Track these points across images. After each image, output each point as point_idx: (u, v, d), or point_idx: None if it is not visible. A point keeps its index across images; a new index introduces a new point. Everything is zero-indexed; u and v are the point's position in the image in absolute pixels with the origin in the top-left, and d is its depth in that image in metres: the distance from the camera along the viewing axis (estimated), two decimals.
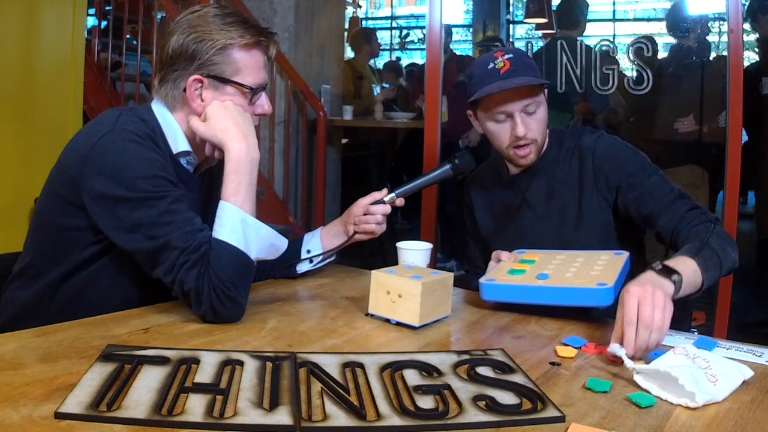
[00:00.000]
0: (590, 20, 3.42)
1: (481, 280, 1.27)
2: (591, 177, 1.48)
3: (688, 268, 1.11)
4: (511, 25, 6.67)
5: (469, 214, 1.67)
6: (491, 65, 1.44)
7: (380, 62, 6.32)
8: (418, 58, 8.26)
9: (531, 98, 1.43)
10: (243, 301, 1.12)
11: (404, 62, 7.72)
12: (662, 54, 3.42)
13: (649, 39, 2.67)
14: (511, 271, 1.30)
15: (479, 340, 1.10)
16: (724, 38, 2.58)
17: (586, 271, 1.26)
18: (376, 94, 4.85)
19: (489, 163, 1.66)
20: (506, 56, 1.44)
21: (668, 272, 1.08)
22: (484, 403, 0.81)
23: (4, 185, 2.49)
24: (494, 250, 1.57)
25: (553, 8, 4.66)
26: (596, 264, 1.29)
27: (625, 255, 1.34)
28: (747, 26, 3.21)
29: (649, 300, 0.98)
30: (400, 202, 1.40)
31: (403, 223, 5.13)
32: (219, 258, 1.09)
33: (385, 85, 5.54)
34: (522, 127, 1.43)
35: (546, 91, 1.49)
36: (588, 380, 0.90)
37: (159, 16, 4.04)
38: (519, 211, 1.55)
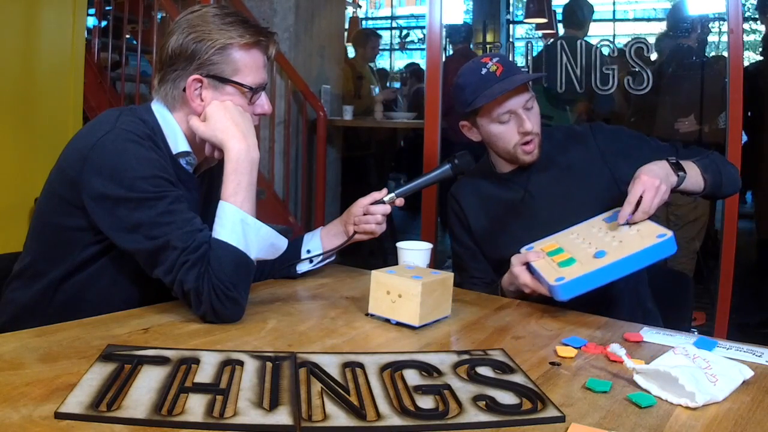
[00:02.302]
0: (591, 20, 3.43)
1: (551, 282, 1.22)
2: (598, 157, 1.53)
3: (692, 170, 1.36)
4: (511, 25, 6.67)
5: (459, 221, 1.64)
6: (484, 71, 1.46)
7: (380, 62, 6.32)
8: (418, 58, 8.27)
9: (528, 94, 1.48)
10: (243, 301, 1.12)
11: (404, 62, 7.73)
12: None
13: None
14: (562, 264, 1.26)
15: (479, 340, 1.10)
16: (724, 38, 2.58)
17: (625, 233, 1.26)
18: (375, 94, 4.84)
19: (475, 169, 1.65)
20: (495, 60, 1.48)
21: (678, 167, 1.33)
22: (484, 403, 0.81)
23: (4, 185, 2.48)
24: (494, 251, 1.57)
25: (554, 7, 4.67)
26: (612, 222, 1.31)
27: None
28: (747, 26, 3.21)
29: (654, 190, 1.25)
30: (399, 202, 1.40)
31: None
32: (219, 258, 1.09)
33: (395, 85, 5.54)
34: (529, 122, 1.46)
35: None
36: (588, 380, 0.90)
37: (159, 16, 4.04)
38: (522, 203, 1.55)
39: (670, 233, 1.19)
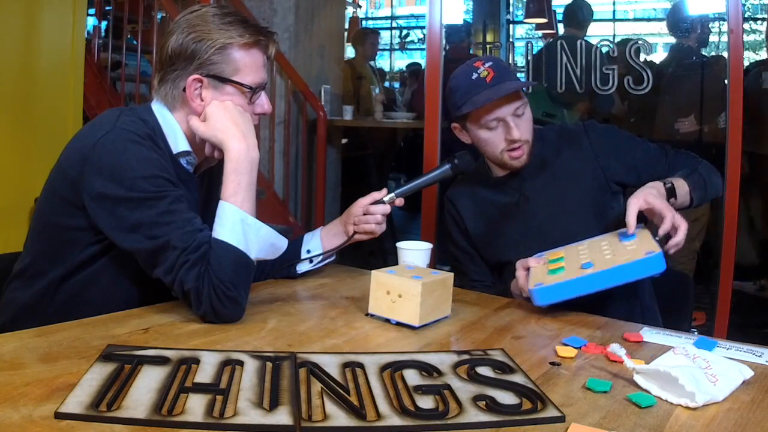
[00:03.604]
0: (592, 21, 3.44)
1: (530, 287, 1.23)
2: (591, 157, 1.52)
3: (683, 190, 1.37)
4: (511, 25, 6.67)
5: (457, 225, 1.64)
6: (475, 75, 1.46)
7: (380, 62, 6.32)
8: (419, 58, 8.27)
9: (519, 101, 1.46)
10: (243, 301, 1.12)
11: (404, 62, 7.73)
12: (662, 54, 3.42)
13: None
14: (551, 272, 1.27)
15: (479, 340, 1.10)
16: (724, 38, 2.58)
17: (622, 248, 1.26)
18: (375, 94, 4.84)
19: (470, 173, 1.65)
20: (487, 64, 1.46)
21: (672, 193, 1.34)
22: (484, 403, 0.81)
23: (4, 185, 2.49)
24: (492, 254, 1.57)
25: (554, 7, 4.66)
26: (626, 241, 1.29)
27: (643, 226, 1.34)
28: (747, 26, 3.22)
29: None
30: (399, 202, 1.40)
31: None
32: (219, 258, 1.09)
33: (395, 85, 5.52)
34: (516, 131, 1.46)
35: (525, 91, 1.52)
36: (588, 380, 0.90)
37: (159, 16, 4.04)
38: (518, 207, 1.55)
39: (658, 250, 1.17)
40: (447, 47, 3.90)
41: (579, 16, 3.26)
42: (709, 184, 1.45)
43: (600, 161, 1.52)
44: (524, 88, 1.52)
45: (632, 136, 1.58)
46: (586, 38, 3.01)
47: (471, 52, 3.90)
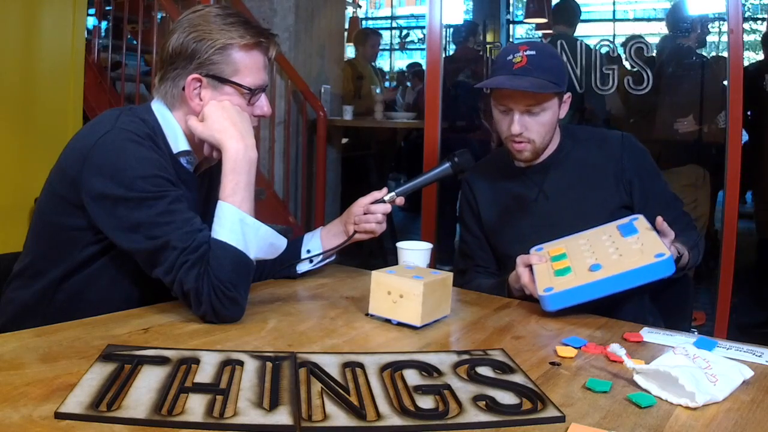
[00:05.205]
0: (591, 20, 3.45)
1: (539, 292, 1.23)
2: (619, 170, 1.52)
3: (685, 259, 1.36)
4: (511, 25, 6.67)
5: (470, 208, 1.64)
6: (510, 57, 1.45)
7: (380, 62, 6.32)
8: (419, 58, 8.28)
9: (536, 100, 1.44)
10: (243, 301, 1.12)
11: (404, 62, 7.73)
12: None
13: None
14: (558, 273, 1.26)
15: (479, 340, 1.10)
16: (724, 38, 2.58)
17: (628, 247, 1.25)
18: (376, 94, 4.84)
19: (492, 157, 1.65)
20: (527, 52, 1.44)
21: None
22: (484, 403, 0.81)
23: (4, 185, 2.48)
24: (499, 244, 1.56)
25: (554, 7, 4.67)
26: (630, 237, 1.29)
27: (641, 218, 1.35)
28: (747, 26, 3.22)
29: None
30: (400, 201, 1.39)
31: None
32: (218, 258, 1.09)
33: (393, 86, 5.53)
34: (517, 126, 1.45)
35: (566, 96, 1.50)
36: (588, 380, 0.90)
37: (159, 16, 4.04)
38: (536, 202, 1.54)
39: (668, 253, 1.17)
40: (455, 46, 3.91)
41: (568, 12, 3.27)
42: (699, 258, 1.46)
43: (626, 175, 1.51)
44: (564, 96, 1.50)
45: (659, 171, 1.57)
46: (585, 39, 3.01)
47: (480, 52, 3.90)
